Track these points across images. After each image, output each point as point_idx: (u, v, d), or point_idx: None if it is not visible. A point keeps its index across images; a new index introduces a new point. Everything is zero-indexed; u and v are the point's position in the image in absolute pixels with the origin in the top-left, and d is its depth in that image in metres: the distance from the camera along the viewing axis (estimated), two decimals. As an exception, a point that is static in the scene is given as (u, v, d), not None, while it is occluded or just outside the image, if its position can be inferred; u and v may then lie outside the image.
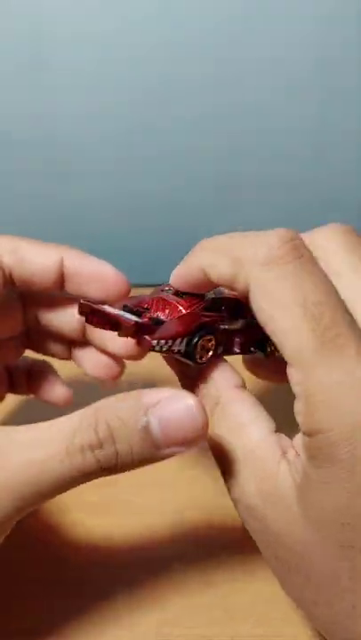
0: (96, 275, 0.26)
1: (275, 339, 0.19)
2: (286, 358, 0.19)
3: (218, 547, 0.30)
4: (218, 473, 0.33)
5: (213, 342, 0.23)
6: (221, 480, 0.33)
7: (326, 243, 0.21)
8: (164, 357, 0.24)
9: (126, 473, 0.33)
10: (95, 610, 0.27)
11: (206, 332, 0.23)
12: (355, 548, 0.18)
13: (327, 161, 0.49)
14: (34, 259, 0.26)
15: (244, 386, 0.23)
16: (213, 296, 0.24)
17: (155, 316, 0.23)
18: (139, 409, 0.19)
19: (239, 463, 0.21)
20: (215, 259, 0.21)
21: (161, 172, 0.50)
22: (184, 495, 0.32)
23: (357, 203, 0.51)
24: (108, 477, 0.33)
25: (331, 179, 0.50)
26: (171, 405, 0.19)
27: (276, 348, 0.21)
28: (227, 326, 0.24)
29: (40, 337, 0.31)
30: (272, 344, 0.22)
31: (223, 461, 0.22)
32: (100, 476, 0.20)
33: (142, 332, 0.22)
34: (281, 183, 0.51)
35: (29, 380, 0.32)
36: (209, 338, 0.23)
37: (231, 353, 0.25)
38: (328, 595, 0.19)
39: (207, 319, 0.23)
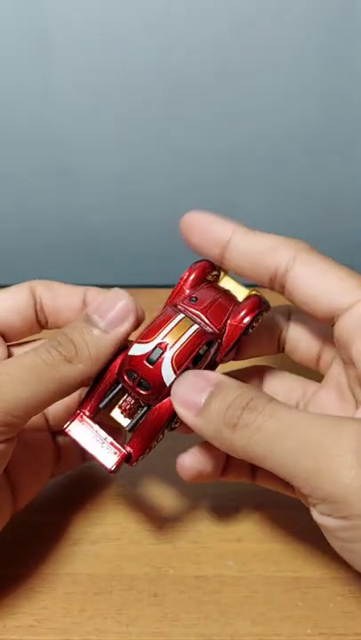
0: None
1: None
2: None
3: (213, 541, 0.30)
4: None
5: None
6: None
7: None
8: None
9: (123, 469, 0.33)
10: (93, 606, 0.27)
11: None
12: None
13: (328, 162, 0.49)
14: (65, 295, 0.28)
15: None
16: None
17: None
18: (83, 315, 0.25)
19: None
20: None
21: (162, 173, 0.50)
22: (181, 492, 0.32)
23: (358, 203, 0.51)
24: (103, 473, 0.34)
25: (332, 179, 0.50)
26: (106, 300, 0.25)
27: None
28: None
29: None
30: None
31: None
32: (76, 372, 0.23)
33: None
34: (281, 184, 0.51)
35: None
36: None
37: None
38: None
39: None
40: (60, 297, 0.28)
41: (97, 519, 0.31)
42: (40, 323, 0.28)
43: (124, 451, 0.25)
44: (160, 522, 0.31)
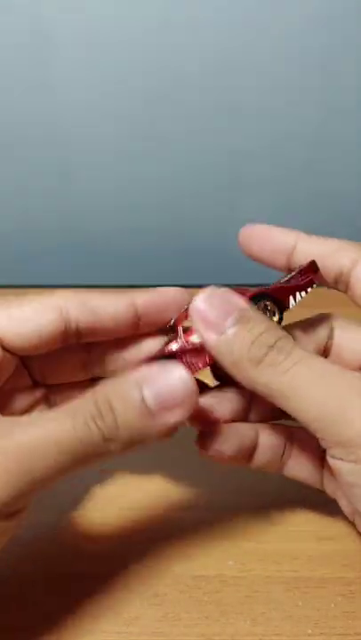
0: (168, 302, 0.27)
1: None
2: None
3: (214, 541, 0.30)
4: (214, 470, 0.33)
5: None
6: (217, 476, 0.33)
7: None
8: None
9: (123, 469, 0.33)
10: (94, 605, 0.27)
11: None
12: None
13: (328, 161, 0.49)
14: (105, 306, 0.26)
15: None
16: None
17: None
18: (134, 382, 0.21)
19: None
20: None
21: (162, 175, 0.50)
22: (181, 491, 0.32)
23: (358, 203, 0.51)
24: (103, 473, 0.33)
25: (332, 179, 0.50)
26: (162, 376, 0.21)
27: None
28: None
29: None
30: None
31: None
32: (107, 451, 0.21)
33: None
34: (282, 187, 0.51)
35: None
36: None
37: None
38: None
39: None
40: (100, 313, 0.25)
41: (97, 519, 0.31)
42: (69, 339, 0.26)
43: None
44: (160, 522, 0.31)
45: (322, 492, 0.28)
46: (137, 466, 0.34)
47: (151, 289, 0.27)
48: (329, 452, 0.22)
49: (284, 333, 0.23)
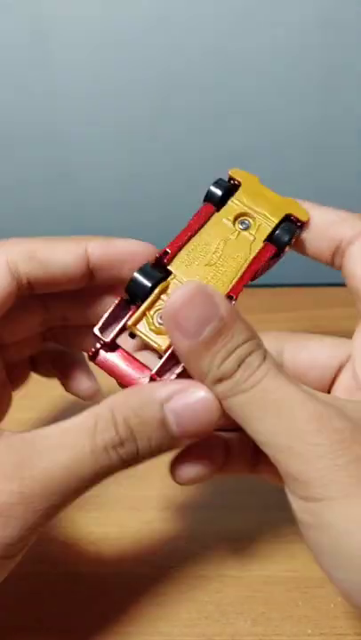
0: (125, 255, 0.25)
1: None
2: None
3: (214, 541, 0.30)
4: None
5: None
6: (217, 476, 0.33)
7: None
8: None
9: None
10: (94, 606, 0.27)
11: None
12: None
13: (328, 161, 0.49)
14: (56, 259, 0.24)
15: None
16: None
17: None
18: (154, 404, 0.20)
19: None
20: None
21: (161, 174, 0.50)
22: (181, 492, 0.32)
23: (358, 203, 0.51)
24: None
25: (332, 179, 0.50)
26: (184, 398, 0.20)
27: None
28: None
29: (68, 333, 0.28)
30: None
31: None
32: (123, 469, 0.21)
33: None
34: (282, 184, 0.51)
35: (57, 367, 0.29)
36: None
37: None
38: None
39: None
40: (50, 267, 0.24)
41: (98, 519, 0.31)
42: (22, 291, 0.24)
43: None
44: (160, 522, 0.31)
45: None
46: (137, 466, 0.34)
47: (108, 238, 0.25)
48: (286, 485, 0.20)
49: (260, 344, 0.20)
